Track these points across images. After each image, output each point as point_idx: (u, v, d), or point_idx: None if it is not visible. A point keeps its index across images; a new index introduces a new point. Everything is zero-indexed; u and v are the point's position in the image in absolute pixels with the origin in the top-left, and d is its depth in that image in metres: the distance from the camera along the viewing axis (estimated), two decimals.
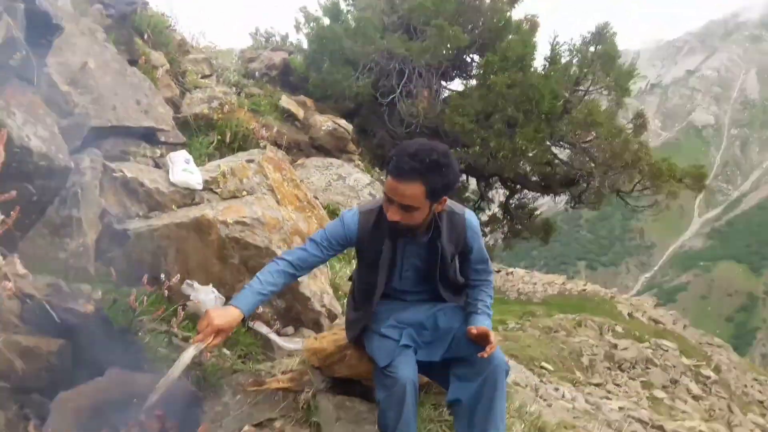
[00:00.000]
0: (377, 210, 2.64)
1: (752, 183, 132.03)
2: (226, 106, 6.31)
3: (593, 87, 12.83)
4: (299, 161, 8.92)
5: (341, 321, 4.02)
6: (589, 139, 12.28)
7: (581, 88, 12.92)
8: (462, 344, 2.64)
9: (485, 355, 2.47)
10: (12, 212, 2.11)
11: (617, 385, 9.91)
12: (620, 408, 7.43)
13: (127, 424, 2.59)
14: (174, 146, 4.84)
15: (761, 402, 12.53)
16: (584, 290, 19.54)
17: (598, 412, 6.34)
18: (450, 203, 2.59)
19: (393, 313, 2.79)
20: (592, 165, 12.46)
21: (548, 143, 12.62)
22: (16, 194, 2.14)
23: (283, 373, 3.52)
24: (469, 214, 2.72)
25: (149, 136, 4.58)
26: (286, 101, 10.04)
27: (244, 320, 2.45)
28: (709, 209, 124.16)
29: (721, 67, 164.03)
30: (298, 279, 3.21)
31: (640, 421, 6.97)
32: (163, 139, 4.72)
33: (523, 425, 3.68)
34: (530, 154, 12.18)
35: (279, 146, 8.05)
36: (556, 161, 13.59)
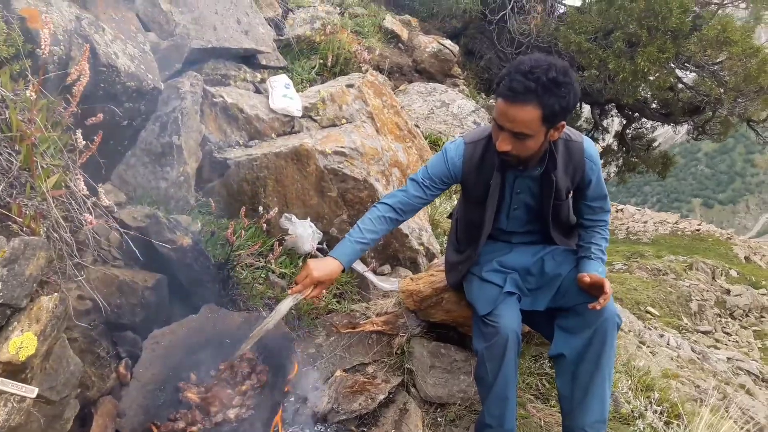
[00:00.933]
0: (485, 140, 2.35)
1: None
2: (329, 27, 6.02)
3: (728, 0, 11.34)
4: (401, 87, 8.56)
5: (439, 261, 3.81)
6: (719, 59, 10.90)
7: (715, 0, 11.44)
8: (571, 292, 2.37)
9: (598, 307, 2.20)
10: (95, 137, 1.97)
11: (727, 333, 9.40)
12: (728, 358, 6.98)
13: (219, 365, 2.55)
14: (275, 70, 4.67)
15: None
16: (698, 230, 18.51)
17: (704, 362, 5.94)
18: (567, 130, 2.25)
19: (496, 255, 2.54)
20: (721, 90, 11.08)
21: (672, 65, 11.34)
22: (102, 117, 2.00)
23: (377, 315, 3.41)
24: (588, 143, 2.35)
25: (249, 58, 4.42)
26: (391, 21, 9.56)
27: (343, 271, 2.27)
28: None
29: None
30: None
31: (749, 373, 6.52)
32: (263, 62, 4.54)
33: (629, 381, 3.45)
34: (652, 78, 10.97)
35: (381, 70, 7.73)
36: (680, 86, 12.32)
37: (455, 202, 5.62)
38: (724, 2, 11.48)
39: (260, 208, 3.32)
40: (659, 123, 14.09)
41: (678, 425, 3.11)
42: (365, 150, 3.98)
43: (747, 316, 10.50)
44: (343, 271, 2.28)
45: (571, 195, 2.46)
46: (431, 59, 9.47)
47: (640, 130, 14.80)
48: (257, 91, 4.23)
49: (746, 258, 15.57)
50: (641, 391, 3.48)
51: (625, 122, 14.71)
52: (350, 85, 4.51)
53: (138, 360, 2.35)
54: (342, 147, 3.84)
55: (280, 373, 2.55)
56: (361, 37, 7.68)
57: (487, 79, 12.53)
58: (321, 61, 5.74)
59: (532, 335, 3.26)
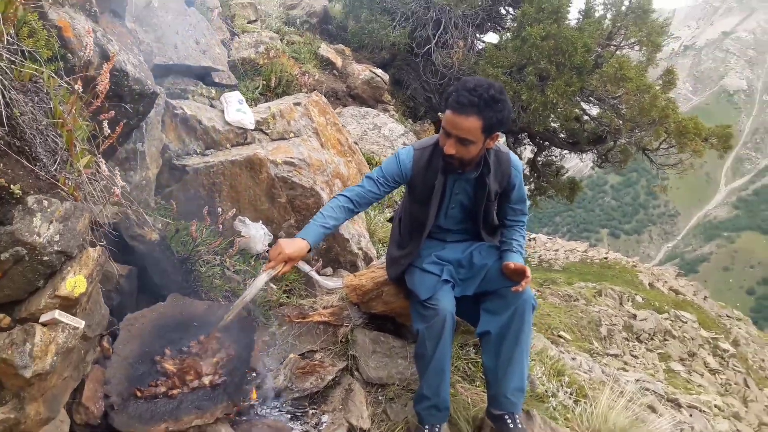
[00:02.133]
0: (431, 147, 2.78)
1: None
2: (272, 52, 6.40)
3: (625, 42, 12.65)
4: (336, 110, 8.98)
5: (377, 263, 4.21)
6: (618, 94, 12.11)
7: (613, 42, 12.73)
8: (494, 278, 2.79)
9: (520, 290, 2.63)
10: (117, 127, 2.26)
11: (634, 356, 9.92)
12: (636, 380, 7.45)
13: (189, 343, 2.83)
14: (227, 88, 4.98)
15: None
16: (606, 258, 19.43)
17: (614, 383, 6.44)
18: (497, 143, 2.71)
19: (433, 251, 2.96)
20: (620, 121, 12.32)
21: (578, 98, 12.49)
22: (114, 114, 2.30)
23: (324, 308, 3.74)
24: (513, 154, 2.85)
25: (205, 75, 4.72)
26: (326, 49, 10.02)
27: (309, 251, 2.62)
28: (736, 178, 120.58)
29: (758, 29, 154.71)
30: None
31: (655, 393, 7.00)
32: (217, 79, 4.86)
33: (543, 367, 3.97)
34: (560, 109, 12.05)
35: None
36: (585, 117, 13.51)
37: (387, 215, 6.08)
38: (622, 44, 12.74)
39: (219, 210, 3.61)
40: (567, 151, 15.19)
41: (585, 403, 3.60)
42: (312, 161, 4.36)
43: (652, 339, 11.11)
44: (309, 250, 2.61)
45: (497, 198, 2.90)
46: (364, 86, 9.98)
47: (550, 158, 15.88)
48: (211, 105, 4.53)
49: (650, 284, 16.39)
50: (553, 375, 3.99)
51: (536, 150, 15.76)
52: (297, 103, 4.89)
53: (116, 338, 2.61)
54: (291, 158, 4.20)
55: (245, 350, 2.87)
56: (298, 63, 8.08)
57: (412, 107, 13.19)
58: (264, 82, 6.10)
59: (459, 325, 3.67)
